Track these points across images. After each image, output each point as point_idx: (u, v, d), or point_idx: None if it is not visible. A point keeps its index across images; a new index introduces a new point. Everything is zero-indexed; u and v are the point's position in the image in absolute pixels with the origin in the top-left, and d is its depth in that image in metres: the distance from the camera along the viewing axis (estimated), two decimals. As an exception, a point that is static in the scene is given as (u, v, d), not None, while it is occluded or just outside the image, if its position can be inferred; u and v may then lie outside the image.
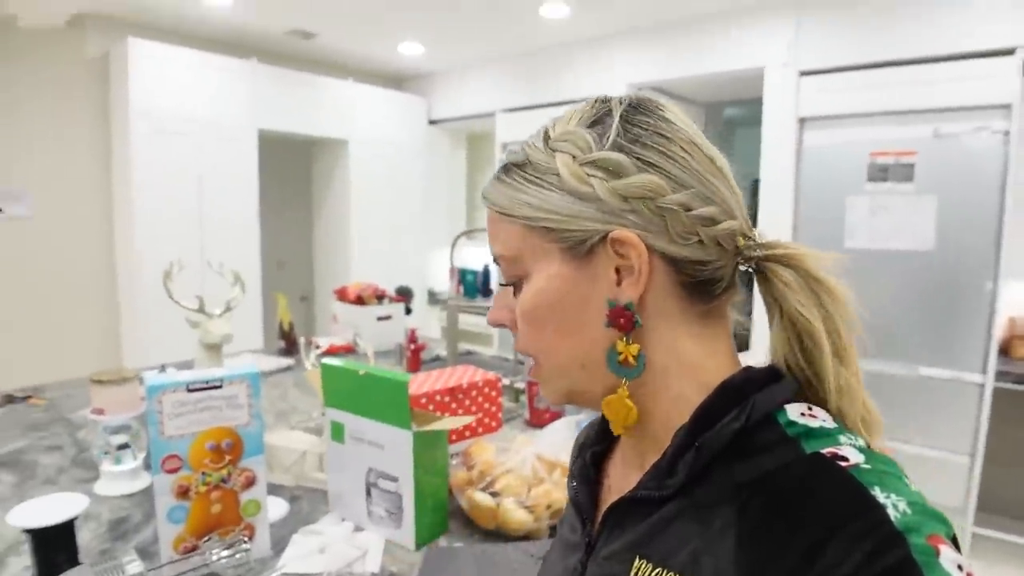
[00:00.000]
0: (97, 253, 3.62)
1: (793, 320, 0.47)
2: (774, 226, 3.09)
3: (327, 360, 1.22)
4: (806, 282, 0.47)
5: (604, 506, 0.54)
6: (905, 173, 2.71)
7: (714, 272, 0.48)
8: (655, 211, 0.46)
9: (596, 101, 0.51)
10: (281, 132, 3.98)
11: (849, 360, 0.47)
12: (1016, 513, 2.80)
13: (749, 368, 0.49)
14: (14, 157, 3.29)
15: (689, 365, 0.49)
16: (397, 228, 4.69)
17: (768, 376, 0.48)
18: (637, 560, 0.46)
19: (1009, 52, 2.48)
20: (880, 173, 2.76)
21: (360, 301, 2.77)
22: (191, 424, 0.99)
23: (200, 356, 1.69)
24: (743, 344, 0.54)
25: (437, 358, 2.63)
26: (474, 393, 1.50)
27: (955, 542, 0.37)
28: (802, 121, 3.01)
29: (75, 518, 0.93)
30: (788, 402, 0.46)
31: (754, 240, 0.49)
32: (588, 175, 0.47)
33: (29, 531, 0.90)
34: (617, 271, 0.47)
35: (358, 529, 1.17)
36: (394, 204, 4.65)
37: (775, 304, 0.48)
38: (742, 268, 0.50)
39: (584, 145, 0.48)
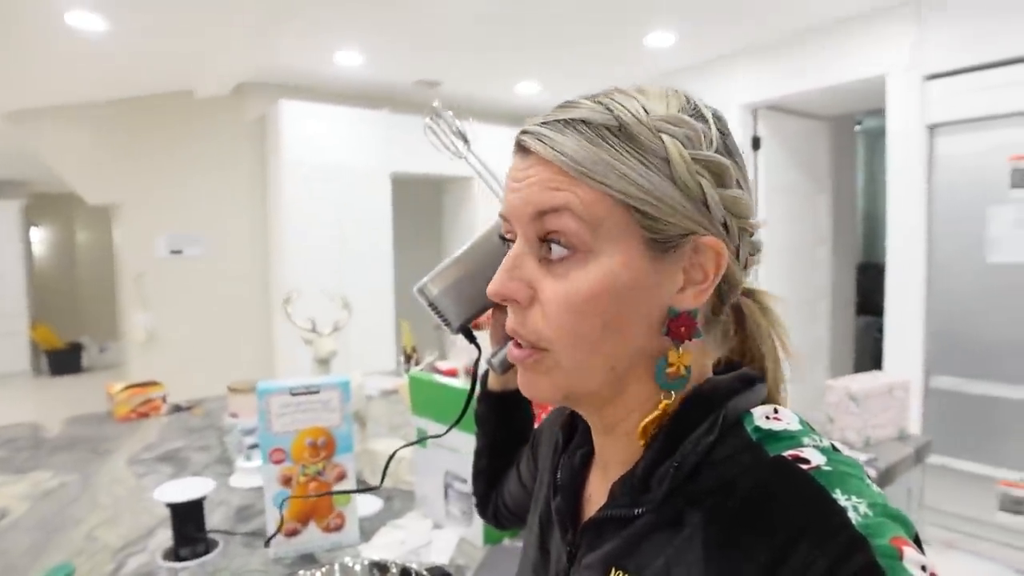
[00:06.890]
0: (255, 285, 4.15)
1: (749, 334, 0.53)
2: (906, 240, 2.89)
3: (412, 372, 1.36)
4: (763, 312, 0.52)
5: (585, 512, 0.55)
6: (1057, 177, 2.45)
7: (736, 294, 0.49)
8: (738, 230, 0.46)
9: (677, 91, 0.47)
10: (411, 173, 4.33)
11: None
12: None
13: (714, 377, 0.49)
14: (191, 206, 3.91)
15: (700, 378, 0.49)
16: (519, 258, 4.86)
17: (736, 383, 0.47)
18: (614, 571, 0.46)
19: None
20: (1025, 179, 2.51)
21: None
22: (294, 423, 1.17)
23: (313, 369, 1.92)
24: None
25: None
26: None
27: (918, 542, 0.37)
28: (932, 128, 2.80)
29: (203, 498, 1.14)
30: (755, 406, 0.47)
31: None
32: (697, 172, 0.43)
33: (169, 505, 1.11)
34: (684, 277, 0.45)
35: (437, 526, 1.29)
36: (516, 235, 4.84)
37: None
38: None
39: (696, 139, 0.44)
